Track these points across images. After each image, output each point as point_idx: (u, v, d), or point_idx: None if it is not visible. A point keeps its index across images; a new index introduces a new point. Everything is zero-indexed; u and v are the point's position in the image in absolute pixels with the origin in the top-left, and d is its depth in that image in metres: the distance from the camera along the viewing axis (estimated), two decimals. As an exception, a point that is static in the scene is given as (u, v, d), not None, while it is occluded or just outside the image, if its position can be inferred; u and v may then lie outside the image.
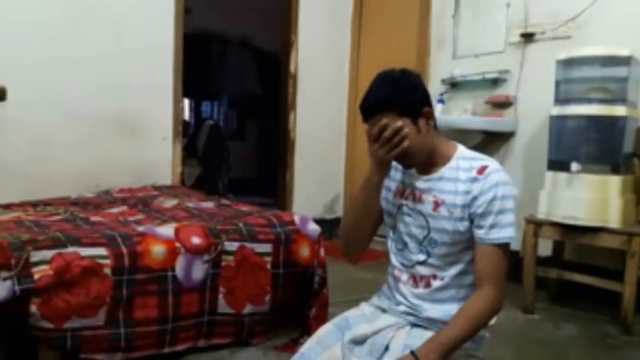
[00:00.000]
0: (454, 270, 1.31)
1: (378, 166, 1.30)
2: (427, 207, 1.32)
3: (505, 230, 1.23)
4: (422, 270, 1.34)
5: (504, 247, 1.24)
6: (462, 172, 1.28)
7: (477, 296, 1.24)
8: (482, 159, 1.30)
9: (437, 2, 3.94)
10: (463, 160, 1.30)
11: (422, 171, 1.34)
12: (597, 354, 2.33)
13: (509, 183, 1.26)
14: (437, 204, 1.30)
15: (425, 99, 1.30)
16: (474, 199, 1.25)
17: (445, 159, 1.32)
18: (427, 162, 1.32)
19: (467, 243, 1.29)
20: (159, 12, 3.40)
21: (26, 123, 2.90)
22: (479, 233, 1.25)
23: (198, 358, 2.04)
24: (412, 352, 1.18)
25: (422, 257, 1.34)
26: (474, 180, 1.26)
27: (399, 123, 1.23)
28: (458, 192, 1.27)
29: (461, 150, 1.34)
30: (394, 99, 1.25)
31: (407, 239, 1.37)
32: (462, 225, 1.27)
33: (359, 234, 1.42)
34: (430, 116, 1.29)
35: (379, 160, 1.28)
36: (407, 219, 1.36)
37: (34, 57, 2.92)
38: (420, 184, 1.34)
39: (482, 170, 1.26)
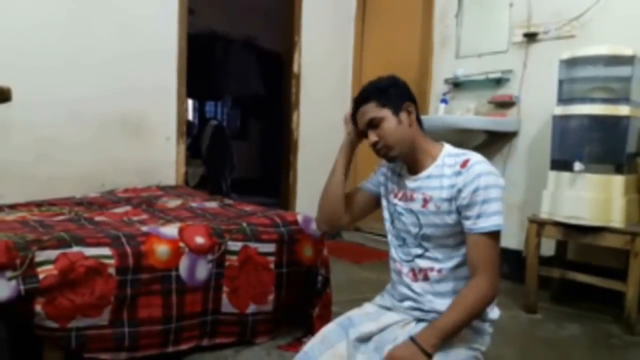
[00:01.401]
0: (451, 263, 1.35)
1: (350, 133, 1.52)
2: (417, 205, 1.38)
3: (491, 218, 1.26)
4: (421, 263, 1.38)
5: (492, 235, 1.28)
6: (447, 168, 1.34)
7: (471, 285, 1.28)
8: (465, 154, 1.35)
9: (440, 2, 3.93)
10: (448, 157, 1.37)
11: (412, 171, 1.42)
12: (600, 354, 2.32)
13: (492, 173, 1.29)
14: (425, 201, 1.36)
15: (407, 96, 1.41)
16: (459, 191, 1.29)
17: (432, 159, 1.39)
18: (415, 162, 1.41)
19: (461, 236, 1.33)
20: (163, 13, 3.42)
21: (31, 124, 2.92)
22: (467, 224, 1.29)
23: (202, 357, 2.04)
24: (412, 338, 1.22)
25: (419, 250, 1.39)
26: (457, 173, 1.31)
27: (381, 113, 1.36)
28: (443, 187, 1.33)
29: (447, 148, 1.40)
30: (375, 91, 1.39)
31: (404, 235, 1.43)
32: (450, 218, 1.32)
33: (331, 199, 1.54)
34: (410, 111, 1.39)
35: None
36: (402, 218, 1.42)
37: (39, 58, 2.93)
38: (410, 183, 1.41)
39: (464, 163, 1.31)
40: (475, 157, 1.32)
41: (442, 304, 1.32)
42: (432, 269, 1.37)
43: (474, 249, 1.28)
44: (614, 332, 2.55)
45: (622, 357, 2.32)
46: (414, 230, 1.39)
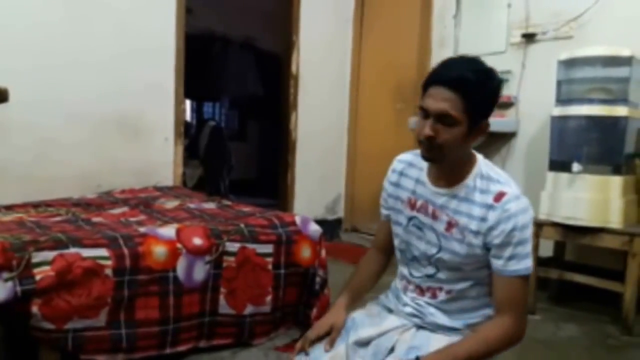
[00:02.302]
0: (463, 285, 1.27)
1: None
2: (440, 226, 1.26)
3: (524, 261, 1.18)
4: (429, 282, 1.31)
5: (523, 277, 1.19)
6: (478, 193, 1.21)
7: (495, 322, 1.20)
8: (500, 183, 1.21)
9: (439, 2, 3.94)
10: (480, 179, 1.23)
11: (437, 183, 1.28)
12: (598, 355, 2.32)
13: (527, 210, 1.19)
14: (450, 225, 1.24)
15: (490, 113, 1.22)
16: (491, 228, 1.18)
17: (464, 174, 1.24)
18: (446, 172, 1.26)
19: (479, 264, 1.24)
20: (161, 13, 3.40)
21: (29, 125, 2.91)
22: (497, 264, 1.19)
23: (199, 359, 2.04)
24: (417, 358, 1.17)
25: (430, 270, 1.30)
26: (490, 207, 1.19)
27: (460, 117, 1.13)
28: (472, 216, 1.21)
29: (480, 164, 1.25)
30: (475, 89, 1.14)
31: (415, 252, 1.32)
32: (475, 251, 1.22)
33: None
34: (483, 132, 1.21)
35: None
36: (418, 232, 1.31)
37: (36, 59, 2.92)
38: (435, 199, 1.27)
39: (499, 197, 1.19)
40: (511, 190, 1.19)
41: (445, 320, 1.29)
42: (441, 289, 1.29)
43: (502, 290, 1.20)
44: (611, 333, 2.55)
45: (620, 358, 2.33)
46: (429, 250, 1.28)
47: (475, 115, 1.16)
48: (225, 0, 6.18)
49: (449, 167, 1.25)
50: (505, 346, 1.19)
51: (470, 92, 1.13)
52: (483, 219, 1.19)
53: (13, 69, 2.71)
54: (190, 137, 5.77)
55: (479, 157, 1.27)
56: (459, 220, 1.23)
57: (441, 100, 1.14)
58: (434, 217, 1.27)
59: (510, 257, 1.18)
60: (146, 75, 3.35)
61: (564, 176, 2.67)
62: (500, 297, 1.20)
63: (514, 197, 1.18)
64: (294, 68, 4.21)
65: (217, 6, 6.18)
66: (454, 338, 1.25)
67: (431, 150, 1.19)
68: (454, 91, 1.13)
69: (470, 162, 1.25)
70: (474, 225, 1.20)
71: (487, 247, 1.20)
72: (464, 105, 1.13)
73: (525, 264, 1.18)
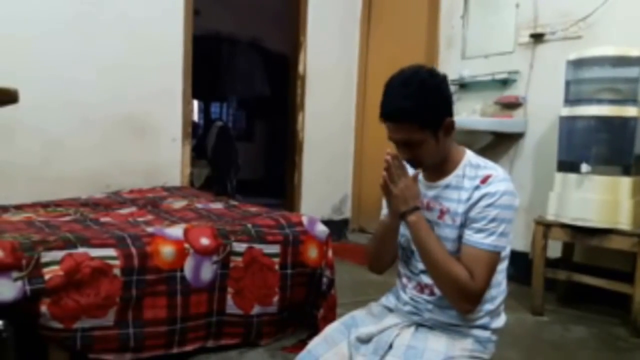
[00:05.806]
0: None
1: (394, 215, 1.31)
2: (433, 215, 1.32)
3: (491, 237, 1.21)
4: (427, 278, 1.33)
5: (485, 251, 1.21)
6: (467, 180, 1.28)
7: (465, 272, 1.21)
8: (487, 168, 1.28)
9: (446, 2, 3.93)
10: (470, 167, 1.30)
11: (430, 178, 1.35)
12: (606, 357, 2.31)
13: (511, 193, 1.24)
14: (442, 212, 1.31)
15: (449, 108, 1.28)
16: (472, 204, 1.24)
17: (453, 166, 1.31)
18: (438, 168, 1.32)
19: None
20: (168, 14, 3.42)
21: (38, 125, 2.93)
22: (466, 234, 1.24)
23: (207, 358, 2.05)
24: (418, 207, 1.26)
25: None
26: (476, 188, 1.25)
27: (422, 136, 1.23)
28: (461, 200, 1.27)
29: (469, 156, 1.33)
30: (418, 112, 1.21)
31: (413, 246, 1.35)
32: (463, 232, 1.27)
33: (380, 260, 1.46)
34: (450, 128, 1.27)
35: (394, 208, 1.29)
36: None
37: (46, 61, 2.94)
38: (429, 191, 1.34)
39: (485, 179, 1.25)
40: (497, 172, 1.26)
41: (444, 317, 1.31)
42: None
43: (463, 255, 1.23)
44: (620, 335, 2.54)
45: (629, 360, 2.31)
46: None
47: (432, 125, 1.23)
48: (232, 1, 6.20)
49: (439, 164, 1.32)
50: (456, 289, 1.21)
51: (415, 115, 1.21)
52: (469, 199, 1.26)
53: (23, 71, 2.74)
54: (198, 137, 5.78)
55: (468, 151, 1.35)
56: (449, 206, 1.29)
57: (396, 132, 1.25)
58: (428, 208, 1.34)
59: (480, 230, 1.22)
60: (154, 76, 3.37)
61: (572, 177, 2.66)
62: (463, 262, 1.22)
63: (499, 179, 1.24)
64: (301, 68, 4.21)
65: (224, 7, 6.20)
66: (452, 335, 1.29)
67: (415, 165, 1.30)
68: (401, 122, 1.23)
69: (458, 156, 1.33)
70: (461, 208, 1.27)
71: (463, 224, 1.25)
72: (417, 126, 1.22)
73: (492, 241, 1.21)
